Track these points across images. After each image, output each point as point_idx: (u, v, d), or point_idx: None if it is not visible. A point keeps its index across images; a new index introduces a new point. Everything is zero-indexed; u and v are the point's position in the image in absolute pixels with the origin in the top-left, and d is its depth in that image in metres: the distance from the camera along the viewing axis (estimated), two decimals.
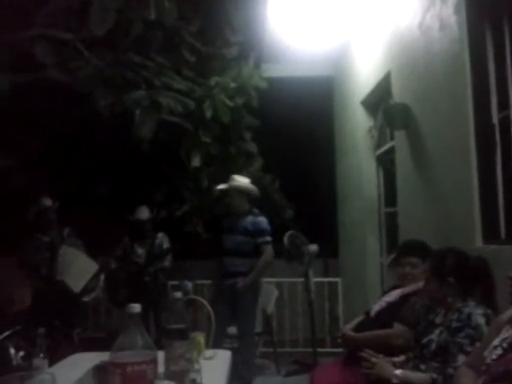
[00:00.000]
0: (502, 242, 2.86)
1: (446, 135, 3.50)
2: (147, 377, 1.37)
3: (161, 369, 1.77)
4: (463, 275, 2.36)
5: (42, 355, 1.67)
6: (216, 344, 3.33)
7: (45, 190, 4.82)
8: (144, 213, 5.09)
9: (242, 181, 4.53)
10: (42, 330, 1.70)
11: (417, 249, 3.07)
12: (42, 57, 3.61)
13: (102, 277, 4.92)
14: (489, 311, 2.22)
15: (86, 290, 4.64)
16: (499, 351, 1.76)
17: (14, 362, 1.71)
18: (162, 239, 5.13)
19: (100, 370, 1.68)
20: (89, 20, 3.12)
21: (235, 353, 3.23)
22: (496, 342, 1.81)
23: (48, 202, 4.69)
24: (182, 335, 1.80)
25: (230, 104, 5.21)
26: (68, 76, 3.90)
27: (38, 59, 3.64)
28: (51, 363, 2.11)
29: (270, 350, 5.54)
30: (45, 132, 5.07)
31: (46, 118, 4.85)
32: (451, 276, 2.35)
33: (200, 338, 2.38)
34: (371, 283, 5.66)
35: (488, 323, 2.13)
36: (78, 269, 4.62)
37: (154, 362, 1.41)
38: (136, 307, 1.39)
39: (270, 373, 5.37)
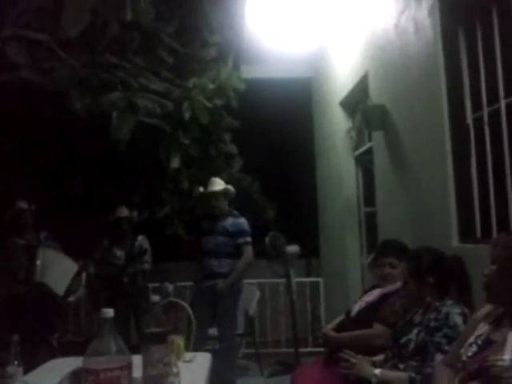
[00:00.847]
0: (477, 241, 2.91)
1: (422, 135, 3.55)
2: (121, 383, 1.36)
3: (139, 373, 1.76)
4: (441, 274, 2.39)
5: (16, 362, 1.64)
6: (197, 346, 3.32)
7: (21, 193, 4.75)
8: (123, 211, 5.06)
9: (223, 183, 4.54)
10: (15, 337, 1.67)
11: (395, 249, 3.10)
12: (15, 57, 3.54)
13: (84, 276, 4.87)
14: (466, 310, 2.25)
15: (70, 291, 4.59)
16: (474, 348, 1.79)
17: None
18: (142, 242, 5.10)
19: (76, 376, 1.66)
20: (61, 20, 3.07)
21: (217, 354, 3.22)
22: (471, 339, 1.84)
23: (24, 204, 4.62)
24: (160, 339, 1.78)
25: (209, 105, 5.19)
26: (42, 77, 3.84)
27: (11, 59, 3.57)
28: (29, 369, 2.08)
29: (253, 351, 5.54)
30: (20, 133, 4.99)
31: (21, 119, 4.77)
32: (430, 275, 2.37)
33: (179, 340, 2.37)
34: (352, 283, 5.70)
35: (465, 322, 2.16)
36: (59, 270, 4.57)
37: (129, 367, 1.39)
38: (109, 312, 1.37)
39: (252, 374, 5.37)
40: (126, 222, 5.07)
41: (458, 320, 2.20)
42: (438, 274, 2.38)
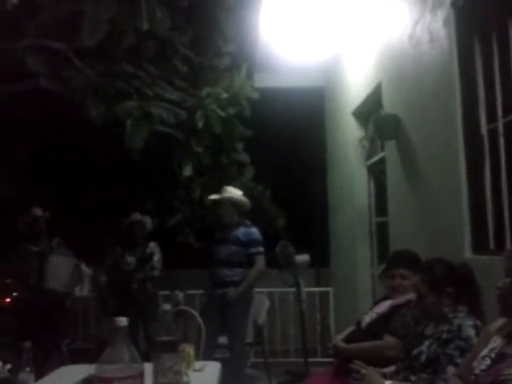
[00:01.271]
0: (491, 253, 2.88)
1: (435, 146, 3.53)
2: None
3: (149, 382, 1.76)
4: (455, 284, 2.37)
5: (28, 369, 1.65)
6: (206, 355, 3.31)
7: (35, 200, 4.80)
8: (137, 216, 5.08)
9: (234, 192, 4.54)
10: (28, 343, 1.68)
11: (406, 260, 3.07)
12: (33, 66, 3.60)
13: (89, 270, 4.89)
14: (478, 322, 2.23)
15: (69, 285, 4.63)
16: (488, 362, 1.77)
17: (1, 375, 1.69)
18: (153, 248, 5.11)
19: (88, 383, 1.66)
20: (80, 30, 3.12)
21: (226, 363, 3.21)
22: (484, 352, 1.82)
23: (39, 211, 4.67)
24: (171, 348, 1.78)
25: (222, 114, 5.22)
26: (59, 85, 3.90)
27: (30, 68, 3.63)
28: (40, 376, 2.09)
29: (262, 360, 5.51)
30: (36, 141, 5.06)
31: (37, 127, 4.84)
32: (447, 286, 2.35)
33: (189, 349, 2.37)
34: (362, 293, 5.66)
35: (478, 334, 2.13)
36: (61, 271, 4.62)
37: (141, 376, 1.39)
38: (123, 320, 1.38)
39: (261, 383, 5.34)
40: (140, 227, 5.08)
41: (471, 332, 2.17)
42: (453, 284, 2.37)
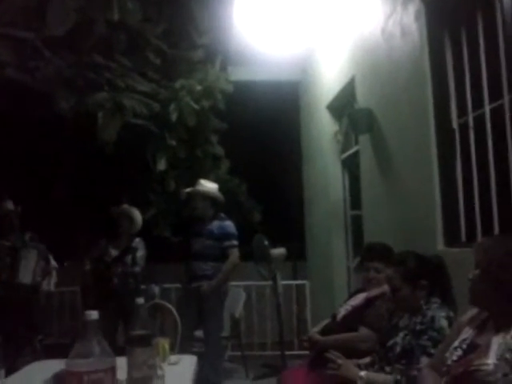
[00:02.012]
0: (462, 245, 2.93)
1: (408, 139, 3.57)
2: None
3: (124, 375, 1.75)
4: (429, 276, 2.41)
5: None
6: (183, 348, 3.31)
7: (6, 194, 4.70)
8: (126, 208, 4.99)
9: (207, 185, 4.52)
10: None
11: (380, 253, 3.11)
12: (0, 55, 3.50)
13: (53, 262, 4.80)
14: (451, 313, 2.27)
15: (35, 276, 4.56)
16: (459, 352, 1.80)
17: None
18: (138, 244, 5.03)
19: (60, 378, 1.64)
20: (47, 19, 3.04)
21: (202, 357, 3.21)
22: (456, 343, 1.85)
23: (10, 205, 4.57)
24: (145, 341, 1.77)
25: (196, 107, 5.18)
26: (27, 76, 3.80)
27: None
28: (11, 371, 2.05)
29: (239, 353, 5.53)
30: (5, 133, 4.93)
31: (6, 119, 4.72)
32: (421, 279, 2.38)
33: (164, 343, 2.36)
34: (338, 286, 5.71)
35: (450, 325, 2.17)
36: (29, 264, 4.54)
37: (113, 370, 1.38)
38: (93, 314, 1.36)
39: (238, 376, 5.36)
40: (127, 220, 4.96)
41: (444, 323, 2.21)
42: (426, 276, 2.40)
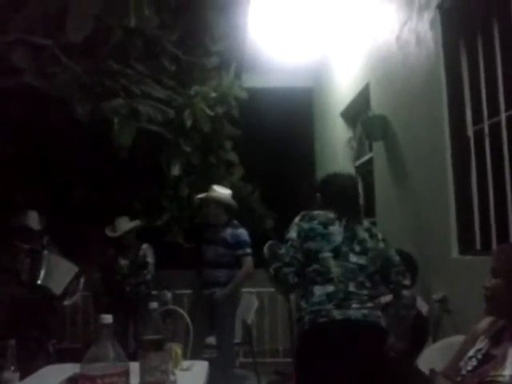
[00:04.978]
0: (477, 253, 2.90)
1: (422, 147, 3.55)
2: None
3: (136, 380, 1.75)
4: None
5: (12, 368, 1.63)
6: (195, 354, 3.30)
7: (22, 198, 4.75)
8: (122, 225, 5.00)
9: (221, 192, 4.49)
10: (12, 342, 1.66)
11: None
12: (19, 61, 3.55)
13: (82, 280, 4.86)
14: None
15: (67, 293, 4.58)
16: (474, 362, 1.77)
17: None
18: (146, 251, 5.06)
19: (74, 382, 1.65)
20: (66, 26, 3.09)
21: (214, 363, 3.20)
22: (471, 352, 1.82)
23: (35, 221, 4.61)
24: (157, 346, 1.78)
25: (211, 113, 5.19)
26: (45, 82, 3.85)
27: (15, 64, 3.58)
28: (25, 374, 2.07)
29: (250, 360, 5.50)
30: (22, 138, 4.99)
31: (23, 124, 4.78)
32: None
33: (177, 348, 2.36)
34: None
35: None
36: (60, 273, 4.56)
37: (126, 374, 1.38)
38: (108, 318, 1.37)
39: (250, 383, 5.33)
40: (129, 235, 5.01)
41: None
42: None
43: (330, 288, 2.42)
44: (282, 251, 2.60)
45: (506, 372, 1.63)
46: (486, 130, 2.95)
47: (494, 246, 2.80)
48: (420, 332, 2.91)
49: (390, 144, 4.16)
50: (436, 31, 3.25)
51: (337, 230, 2.55)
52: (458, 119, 3.15)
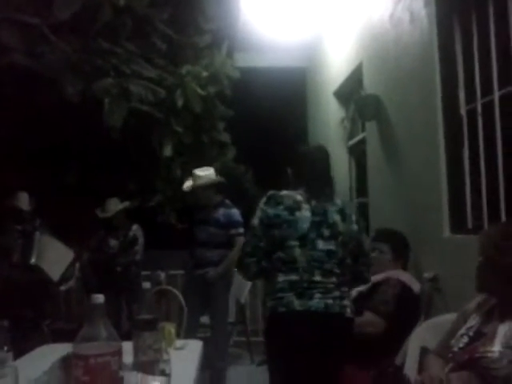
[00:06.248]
0: (468, 232, 2.92)
1: (415, 126, 3.55)
2: (111, 368, 1.35)
3: (130, 359, 1.76)
4: None
5: (5, 348, 1.63)
6: (189, 334, 3.33)
7: (15, 181, 4.72)
8: (112, 206, 4.97)
9: (203, 175, 4.40)
10: (5, 322, 1.66)
11: (388, 236, 3.15)
12: (7, 40, 3.49)
13: (77, 266, 4.87)
14: None
15: (64, 279, 4.59)
16: (465, 340, 1.80)
17: None
18: (136, 231, 5.07)
19: (67, 361, 1.65)
20: (54, 3, 3.03)
21: (208, 342, 3.23)
22: (462, 330, 1.85)
23: (25, 201, 4.59)
24: (151, 326, 1.79)
25: (202, 93, 5.16)
26: (34, 61, 3.79)
27: (3, 43, 3.52)
28: (19, 354, 2.07)
29: (244, 339, 5.56)
30: (12, 119, 4.93)
31: (13, 104, 4.72)
32: None
33: (170, 328, 2.37)
34: None
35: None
36: (55, 256, 4.56)
37: (119, 353, 1.38)
38: (99, 297, 1.37)
39: (243, 362, 5.39)
40: (119, 216, 5.00)
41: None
42: None
43: (294, 277, 2.34)
44: (246, 239, 2.54)
45: (495, 348, 1.66)
46: (479, 109, 2.95)
47: (486, 225, 2.82)
48: (412, 310, 2.94)
49: (383, 124, 4.15)
50: (430, 8, 3.21)
51: (304, 216, 2.41)
52: (451, 98, 3.14)
